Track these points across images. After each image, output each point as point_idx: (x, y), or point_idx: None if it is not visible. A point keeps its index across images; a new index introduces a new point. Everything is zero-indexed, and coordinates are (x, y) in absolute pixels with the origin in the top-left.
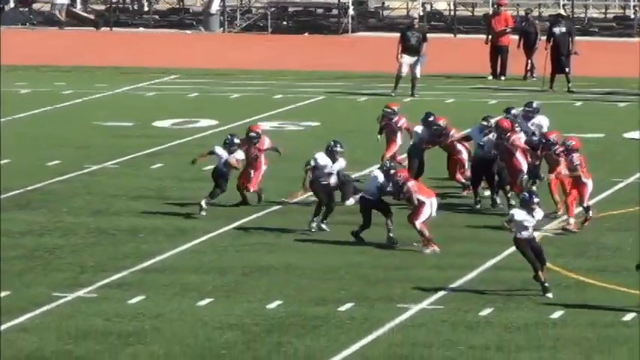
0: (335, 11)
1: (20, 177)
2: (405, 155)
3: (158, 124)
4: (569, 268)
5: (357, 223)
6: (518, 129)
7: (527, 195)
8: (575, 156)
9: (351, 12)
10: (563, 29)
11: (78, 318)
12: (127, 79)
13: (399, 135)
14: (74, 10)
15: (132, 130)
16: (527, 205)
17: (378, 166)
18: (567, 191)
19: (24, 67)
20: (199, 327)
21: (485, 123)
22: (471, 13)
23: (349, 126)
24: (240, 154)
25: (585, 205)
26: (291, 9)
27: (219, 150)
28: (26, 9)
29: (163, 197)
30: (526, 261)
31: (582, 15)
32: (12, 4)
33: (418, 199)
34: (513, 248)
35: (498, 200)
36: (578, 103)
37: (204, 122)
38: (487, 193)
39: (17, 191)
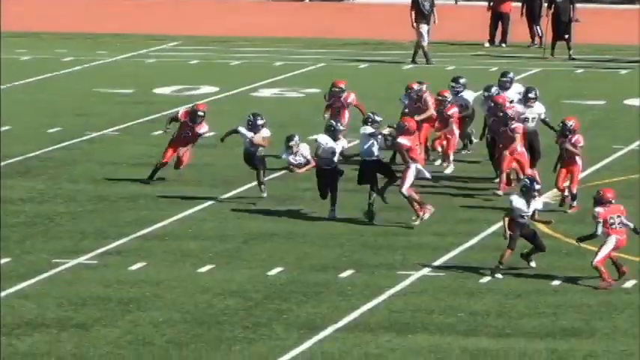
0: None
1: (20, 144)
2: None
3: (158, 91)
4: (569, 235)
5: (357, 190)
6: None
7: (528, 182)
8: (578, 137)
9: None
10: None
11: (78, 285)
12: (127, 46)
13: (346, 112)
14: None
15: (132, 97)
16: (527, 193)
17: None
18: (522, 171)
19: (24, 33)
20: (200, 294)
21: (453, 84)
22: None
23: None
24: (266, 132)
25: (574, 192)
26: None
27: (243, 130)
28: None
29: (164, 164)
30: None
31: None
32: None
33: (405, 159)
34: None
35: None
36: (579, 70)
37: (204, 89)
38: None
39: (17, 158)
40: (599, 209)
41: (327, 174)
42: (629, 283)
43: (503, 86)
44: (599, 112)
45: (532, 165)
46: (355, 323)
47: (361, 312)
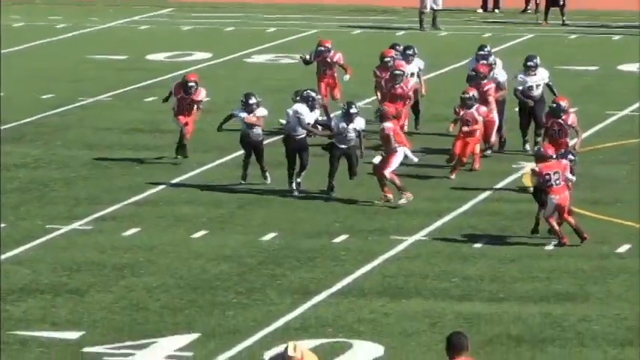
0: None
1: (15, 110)
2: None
3: (152, 57)
4: None
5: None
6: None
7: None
8: (573, 117)
9: None
10: None
11: (72, 250)
12: (121, 12)
13: (334, 70)
14: None
15: (126, 63)
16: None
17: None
18: (486, 139)
19: (18, 0)
20: (193, 259)
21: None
22: None
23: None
24: (261, 111)
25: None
26: None
27: (237, 111)
28: None
29: (157, 130)
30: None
31: None
32: None
33: (392, 143)
34: (507, 180)
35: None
36: (573, 36)
37: (198, 55)
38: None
39: (12, 124)
40: (538, 165)
41: (296, 143)
42: (623, 248)
43: (479, 59)
44: (591, 77)
45: (535, 134)
46: (349, 288)
47: (355, 277)
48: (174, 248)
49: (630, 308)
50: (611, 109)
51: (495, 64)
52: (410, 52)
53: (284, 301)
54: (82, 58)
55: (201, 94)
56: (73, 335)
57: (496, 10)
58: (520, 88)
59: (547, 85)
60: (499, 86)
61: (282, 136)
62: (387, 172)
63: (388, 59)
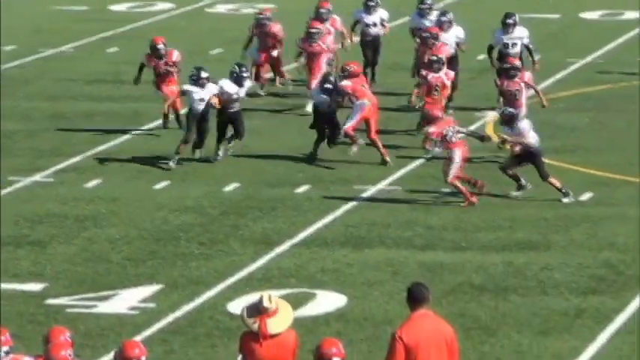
0: None
1: None
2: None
3: (114, 7)
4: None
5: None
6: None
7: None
8: (530, 75)
9: None
10: None
11: (34, 202)
12: None
13: (278, 46)
14: None
15: (87, 14)
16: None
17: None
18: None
19: None
20: (156, 210)
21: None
22: None
23: (305, 5)
24: (212, 88)
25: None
26: None
27: (190, 87)
28: None
29: (119, 81)
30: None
31: None
32: None
33: (354, 99)
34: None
35: None
36: None
37: (160, 5)
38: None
39: None
40: (431, 129)
41: (229, 115)
42: (585, 196)
43: (422, 14)
44: (554, 25)
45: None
46: (311, 238)
47: (317, 227)
48: (137, 199)
49: (592, 256)
50: (573, 56)
51: (450, 21)
52: (372, 3)
53: (247, 251)
54: (43, 8)
55: (175, 55)
56: (36, 287)
57: None
58: (497, 46)
59: (525, 46)
60: (459, 46)
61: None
62: (349, 129)
63: (324, 11)
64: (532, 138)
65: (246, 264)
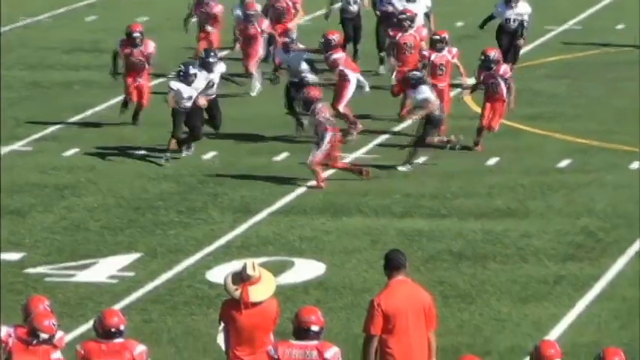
0: None
1: None
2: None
3: None
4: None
5: None
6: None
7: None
8: (505, 67)
9: None
10: None
11: (13, 171)
12: None
13: (216, 27)
14: None
15: None
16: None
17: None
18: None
19: None
20: (135, 178)
21: None
22: None
23: None
24: (200, 83)
25: (496, 129)
26: None
27: (177, 84)
28: None
29: (98, 50)
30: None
31: None
32: None
33: (344, 72)
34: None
35: None
36: None
37: None
38: None
39: None
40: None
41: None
42: (563, 163)
43: None
44: None
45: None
46: (290, 206)
47: (296, 195)
48: (115, 168)
49: (570, 223)
50: (551, 23)
51: None
52: None
53: (225, 219)
54: None
55: (150, 47)
56: (15, 256)
57: None
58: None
59: (520, 23)
60: (428, 17)
61: None
62: (341, 107)
63: None
64: (435, 103)
65: (224, 232)
